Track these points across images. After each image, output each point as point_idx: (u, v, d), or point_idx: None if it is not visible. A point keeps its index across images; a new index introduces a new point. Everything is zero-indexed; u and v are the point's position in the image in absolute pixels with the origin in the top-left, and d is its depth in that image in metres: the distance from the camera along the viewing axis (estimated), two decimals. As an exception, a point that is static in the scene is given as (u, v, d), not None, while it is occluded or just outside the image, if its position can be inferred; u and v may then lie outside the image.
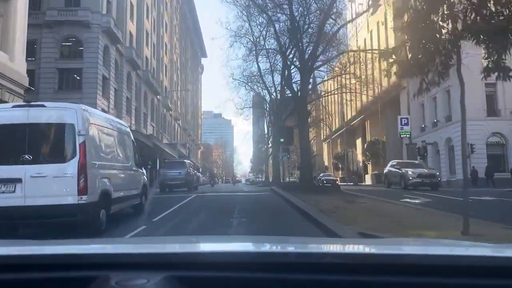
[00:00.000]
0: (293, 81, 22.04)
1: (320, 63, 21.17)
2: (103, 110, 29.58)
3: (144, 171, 11.25)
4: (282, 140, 20.26)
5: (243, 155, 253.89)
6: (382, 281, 1.04)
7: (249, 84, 35.01)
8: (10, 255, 1.28)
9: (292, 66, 21.68)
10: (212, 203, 13.88)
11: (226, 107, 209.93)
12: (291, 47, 20.12)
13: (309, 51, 18.50)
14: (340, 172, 56.10)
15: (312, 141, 55.13)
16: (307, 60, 17.56)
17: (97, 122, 7.49)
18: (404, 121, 36.61)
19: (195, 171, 30.02)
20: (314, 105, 38.35)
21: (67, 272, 1.09)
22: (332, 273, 1.07)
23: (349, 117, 55.34)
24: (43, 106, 7.06)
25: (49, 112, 6.93)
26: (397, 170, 22.45)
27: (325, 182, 35.00)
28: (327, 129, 57.74)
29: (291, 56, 21.04)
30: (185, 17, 73.85)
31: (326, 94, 39.07)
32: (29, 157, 6.45)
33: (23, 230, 7.03)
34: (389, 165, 24.80)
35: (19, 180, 6.34)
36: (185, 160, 27.51)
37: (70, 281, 1.08)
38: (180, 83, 69.09)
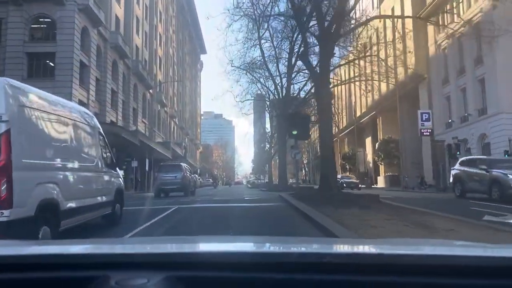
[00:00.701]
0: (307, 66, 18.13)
1: (346, 29, 16.76)
2: (80, 102, 25.37)
3: (120, 172, 9.36)
4: (295, 132, 15.55)
5: (244, 156, 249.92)
6: (382, 281, 1.03)
7: (250, 72, 30.65)
8: (10, 255, 1.27)
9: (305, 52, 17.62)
10: (191, 222, 9.32)
11: (224, 100, 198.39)
12: (307, 8, 15.64)
13: (329, 19, 14.28)
14: (348, 173, 52.23)
15: (316, 140, 50.99)
16: (329, 26, 13.16)
17: (36, 105, 5.54)
18: (425, 116, 32.79)
19: (193, 174, 28.11)
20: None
21: (67, 272, 1.09)
22: (332, 273, 1.06)
23: (358, 114, 51.50)
24: None
25: None
26: (482, 171, 15.02)
27: (345, 185, 30.30)
28: (334, 127, 53.62)
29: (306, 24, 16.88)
30: (183, 10, 69.89)
31: (340, 83, 34.80)
32: None
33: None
34: (459, 162, 17.82)
35: None
36: (181, 163, 25.48)
37: (70, 281, 1.08)
38: (177, 78, 64.74)
